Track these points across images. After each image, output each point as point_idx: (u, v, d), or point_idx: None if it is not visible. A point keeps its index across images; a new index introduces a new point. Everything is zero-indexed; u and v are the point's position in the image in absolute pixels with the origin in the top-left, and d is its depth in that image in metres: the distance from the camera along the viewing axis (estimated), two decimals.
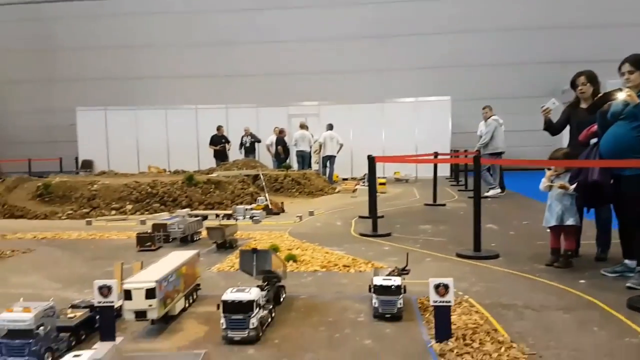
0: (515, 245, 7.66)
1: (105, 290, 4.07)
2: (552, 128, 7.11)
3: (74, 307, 4.37)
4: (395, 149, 18.83)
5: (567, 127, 7.12)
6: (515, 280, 5.74)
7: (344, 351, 3.86)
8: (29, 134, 28.16)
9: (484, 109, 14.57)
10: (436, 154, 14.35)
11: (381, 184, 16.72)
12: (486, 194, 14.06)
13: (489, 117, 14.32)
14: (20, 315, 3.59)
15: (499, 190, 14.19)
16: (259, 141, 21.42)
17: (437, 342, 3.87)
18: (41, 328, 3.64)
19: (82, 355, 3.06)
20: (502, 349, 3.63)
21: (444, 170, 21.33)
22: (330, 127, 19.85)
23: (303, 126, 20.43)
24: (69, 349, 3.96)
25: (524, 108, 23.19)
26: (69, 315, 4.16)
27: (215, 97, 25.21)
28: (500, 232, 8.72)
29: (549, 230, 6.42)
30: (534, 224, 9.15)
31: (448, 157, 19.90)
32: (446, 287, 3.84)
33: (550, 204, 6.26)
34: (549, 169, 6.33)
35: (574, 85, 6.79)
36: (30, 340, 3.56)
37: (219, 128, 21.50)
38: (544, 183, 6.29)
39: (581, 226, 6.45)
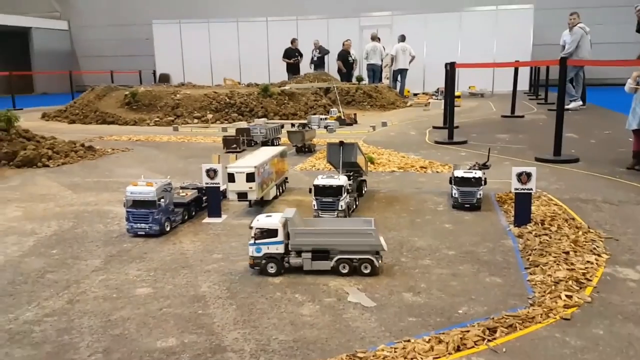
0: (595, 151, 7.58)
1: (211, 173, 4.57)
2: None
3: (183, 188, 4.92)
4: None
5: None
6: (595, 180, 5.79)
7: (426, 231, 4.20)
8: (110, 47, 29.38)
9: (571, 15, 13.69)
10: (517, 62, 13.83)
11: (456, 96, 16.42)
12: (567, 107, 13.58)
13: (575, 25, 13.48)
14: (145, 188, 4.14)
15: (580, 103, 13.64)
16: (327, 53, 21.16)
17: (515, 226, 4.12)
18: (162, 200, 4.19)
19: (272, 215, 3.54)
20: (580, 233, 3.83)
21: (523, 84, 20.49)
22: (402, 38, 19.32)
23: (374, 38, 19.99)
24: (183, 222, 4.55)
25: (611, 18, 21.52)
26: (181, 194, 4.70)
27: (285, 9, 24.98)
28: (580, 140, 8.58)
29: (632, 136, 6.31)
30: (617, 134, 8.92)
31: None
32: (529, 175, 4.02)
33: (634, 107, 6.12)
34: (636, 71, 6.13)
35: None
36: (154, 210, 4.13)
37: (293, 41, 21.36)
38: (629, 84, 6.11)
39: None
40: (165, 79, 25.49)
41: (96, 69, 26.59)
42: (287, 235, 3.42)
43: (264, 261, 3.38)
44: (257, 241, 3.39)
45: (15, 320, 2.85)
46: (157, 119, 13.11)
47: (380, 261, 3.37)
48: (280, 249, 3.39)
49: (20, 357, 2.49)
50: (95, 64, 28.79)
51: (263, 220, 3.46)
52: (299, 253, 3.40)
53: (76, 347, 2.56)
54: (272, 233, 3.39)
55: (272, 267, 3.38)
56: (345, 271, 3.33)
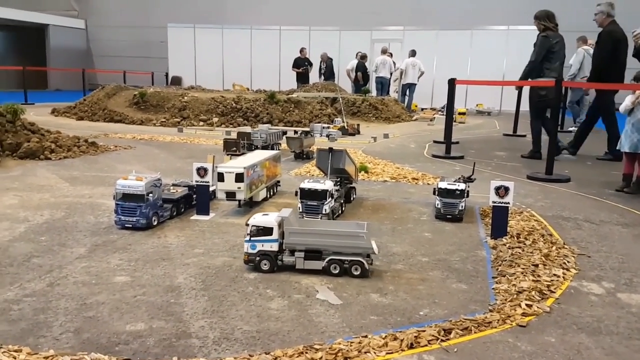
0: (589, 173, 7.65)
1: (202, 171, 4.71)
2: None
3: (174, 185, 5.06)
4: None
5: None
6: (582, 200, 5.87)
7: (405, 239, 4.30)
8: (125, 48, 29.84)
9: (577, 40, 13.80)
10: (513, 81, 13.88)
11: (461, 113, 16.57)
12: (570, 128, 13.66)
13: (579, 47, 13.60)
14: (134, 182, 4.28)
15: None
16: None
17: (492, 238, 4.20)
18: (150, 195, 4.33)
19: (269, 214, 3.66)
20: (554, 248, 3.91)
21: None
22: (412, 53, 19.46)
23: (385, 52, 20.17)
24: (171, 217, 4.68)
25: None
26: (171, 191, 4.84)
27: (298, 19, 25.28)
28: (577, 161, 8.67)
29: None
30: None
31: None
32: (506, 189, 4.12)
33: (627, 130, 6.19)
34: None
35: None
36: (142, 204, 4.27)
37: (302, 50, 21.59)
38: (626, 106, 6.18)
39: None
40: (177, 81, 25.77)
41: (110, 69, 27.00)
42: (283, 234, 3.53)
43: (257, 258, 3.49)
44: (252, 238, 3.51)
45: None
46: (164, 120, 13.32)
47: (370, 264, 3.47)
48: (274, 246, 3.50)
49: None
50: (109, 63, 29.22)
51: (259, 219, 3.58)
52: (292, 252, 3.51)
53: (50, 326, 2.68)
54: (268, 231, 3.51)
55: (265, 264, 3.49)
56: (336, 272, 3.43)
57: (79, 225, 4.44)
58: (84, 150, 8.20)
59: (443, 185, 4.89)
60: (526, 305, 2.94)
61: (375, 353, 2.44)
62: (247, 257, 3.52)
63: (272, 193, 5.73)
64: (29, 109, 13.47)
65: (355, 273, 3.41)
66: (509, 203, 4.16)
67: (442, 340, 2.56)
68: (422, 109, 20.63)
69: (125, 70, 23.27)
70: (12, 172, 6.65)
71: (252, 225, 3.53)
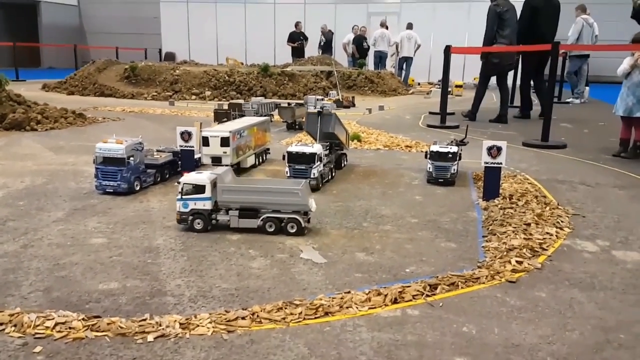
0: (585, 140, 7.52)
1: (185, 135, 4.57)
2: None
3: (159, 151, 4.91)
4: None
5: None
6: (577, 164, 5.74)
7: (394, 202, 4.18)
8: (117, 24, 29.32)
9: (576, 9, 13.52)
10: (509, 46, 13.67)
11: (458, 86, 16.36)
12: (568, 100, 13.48)
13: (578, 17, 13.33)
14: (114, 146, 4.15)
15: (579, 101, 13.49)
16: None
17: (484, 200, 4.08)
18: (131, 159, 4.19)
19: (203, 172, 3.53)
20: (547, 208, 3.79)
21: None
22: (409, 26, 19.12)
23: (383, 25, 19.81)
24: (155, 183, 4.55)
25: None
26: (155, 156, 4.70)
27: None
28: (573, 130, 8.52)
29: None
30: (611, 125, 8.80)
31: None
32: (499, 149, 3.98)
33: (622, 92, 6.03)
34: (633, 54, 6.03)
35: None
36: (123, 168, 4.13)
37: (297, 24, 21.23)
38: (624, 69, 6.00)
39: None
40: (170, 57, 25.40)
41: (103, 45, 26.57)
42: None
43: (190, 217, 3.38)
44: (184, 197, 3.38)
45: None
46: (155, 94, 13.10)
47: (307, 222, 3.37)
48: (207, 205, 3.38)
49: None
50: (102, 40, 28.72)
51: (192, 176, 3.46)
52: (227, 210, 3.40)
53: (19, 285, 2.57)
54: (200, 189, 3.39)
55: (198, 223, 3.38)
56: (271, 230, 3.33)
57: (59, 191, 4.31)
58: (71, 121, 8.03)
59: (435, 148, 4.76)
60: (516, 262, 2.83)
61: (357, 308, 2.33)
62: (180, 216, 3.40)
63: (260, 160, 5.60)
64: (20, 85, 13.27)
65: (291, 231, 3.31)
66: (501, 163, 4.03)
67: (428, 295, 2.46)
68: (419, 83, 20.38)
69: (118, 47, 22.90)
70: None
71: (184, 183, 3.40)
